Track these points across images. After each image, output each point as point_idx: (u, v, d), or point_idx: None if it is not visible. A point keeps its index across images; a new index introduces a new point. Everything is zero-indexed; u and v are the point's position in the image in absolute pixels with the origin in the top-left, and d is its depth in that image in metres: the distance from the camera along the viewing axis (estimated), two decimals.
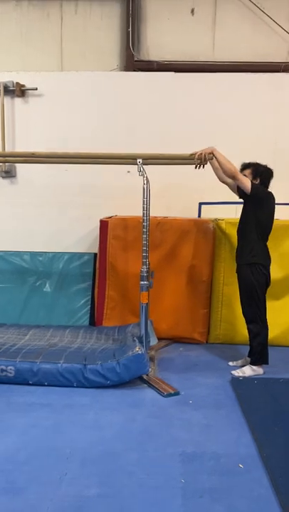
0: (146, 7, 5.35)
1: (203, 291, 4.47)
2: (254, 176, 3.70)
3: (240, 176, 3.59)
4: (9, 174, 5.27)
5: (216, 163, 3.74)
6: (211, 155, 3.66)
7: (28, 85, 5.14)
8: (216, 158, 3.65)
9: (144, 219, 3.66)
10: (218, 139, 5.06)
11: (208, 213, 5.13)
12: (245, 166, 3.76)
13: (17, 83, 5.11)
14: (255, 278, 3.64)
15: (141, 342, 3.62)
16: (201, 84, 5.10)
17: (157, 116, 5.10)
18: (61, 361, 3.44)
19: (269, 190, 3.77)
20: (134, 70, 5.25)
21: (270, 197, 3.72)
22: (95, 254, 4.93)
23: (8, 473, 2.32)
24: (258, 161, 3.80)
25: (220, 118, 5.11)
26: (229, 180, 3.81)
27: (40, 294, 4.95)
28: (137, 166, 3.68)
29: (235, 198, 5.18)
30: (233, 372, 3.73)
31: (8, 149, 5.19)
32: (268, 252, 3.75)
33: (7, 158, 4.61)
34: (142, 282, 3.65)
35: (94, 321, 4.76)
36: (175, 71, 5.14)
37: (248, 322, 3.75)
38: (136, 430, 2.80)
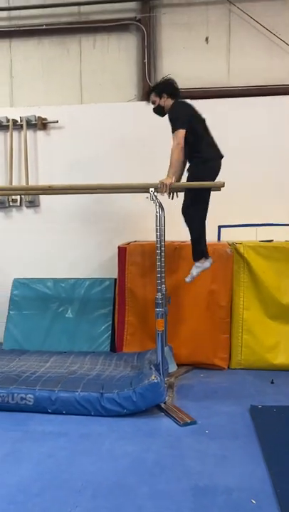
0: (161, 37, 5.50)
1: (223, 316, 4.44)
2: (160, 96, 3.93)
3: (176, 144, 3.72)
4: (33, 204, 5.46)
5: (173, 172, 3.79)
6: (168, 183, 3.70)
7: (49, 118, 5.37)
8: (170, 174, 3.72)
9: (157, 246, 3.70)
10: (235, 163, 5.12)
11: (229, 236, 5.14)
12: (148, 94, 4.02)
13: (39, 117, 5.34)
14: (203, 172, 3.79)
15: (158, 370, 3.62)
16: (217, 110, 5.16)
17: None
18: (79, 390, 3.48)
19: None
20: None
21: (185, 108, 3.89)
22: (115, 280, 5.00)
23: (20, 505, 2.35)
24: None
25: (237, 142, 5.15)
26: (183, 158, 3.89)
27: (62, 320, 5.05)
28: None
29: (256, 220, 5.21)
30: (186, 279, 3.97)
31: (31, 179, 5.40)
32: (213, 145, 3.89)
33: (28, 191, 4.78)
34: (158, 309, 3.67)
35: (115, 347, 4.80)
36: (191, 98, 5.20)
37: (191, 220, 3.89)
38: (150, 461, 2.79)
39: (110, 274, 5.23)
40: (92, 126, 5.34)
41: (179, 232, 4.89)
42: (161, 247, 3.71)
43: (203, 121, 3.96)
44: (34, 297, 5.17)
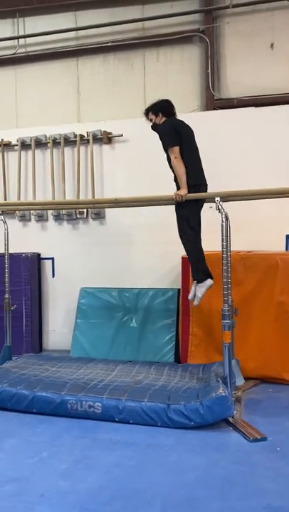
0: (224, 47, 5.49)
1: None
2: (157, 115, 4.01)
3: (174, 158, 3.87)
4: (99, 216, 5.61)
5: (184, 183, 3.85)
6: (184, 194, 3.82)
7: (114, 132, 5.51)
8: (183, 186, 3.82)
9: (223, 256, 3.64)
10: None
11: None
12: (146, 114, 4.07)
13: (104, 131, 5.50)
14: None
15: (225, 383, 3.55)
16: (284, 116, 5.05)
17: (239, 152, 5.12)
18: (145, 400, 3.49)
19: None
20: (215, 109, 5.37)
21: (174, 124, 3.91)
22: (179, 290, 4.99)
23: None
24: None
25: None
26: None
27: (127, 329, 5.11)
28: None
29: None
30: (189, 298, 4.00)
31: (97, 192, 5.55)
32: (196, 168, 3.92)
33: (95, 204, 4.92)
34: (224, 321, 3.61)
35: (179, 358, 4.77)
36: (255, 106, 5.16)
37: (184, 243, 3.99)
38: (219, 476, 2.73)
39: (174, 284, 5.23)
40: (156, 139, 5.38)
41: (244, 241, 4.82)
42: (227, 257, 3.65)
43: (189, 138, 3.99)
44: (100, 306, 5.28)
